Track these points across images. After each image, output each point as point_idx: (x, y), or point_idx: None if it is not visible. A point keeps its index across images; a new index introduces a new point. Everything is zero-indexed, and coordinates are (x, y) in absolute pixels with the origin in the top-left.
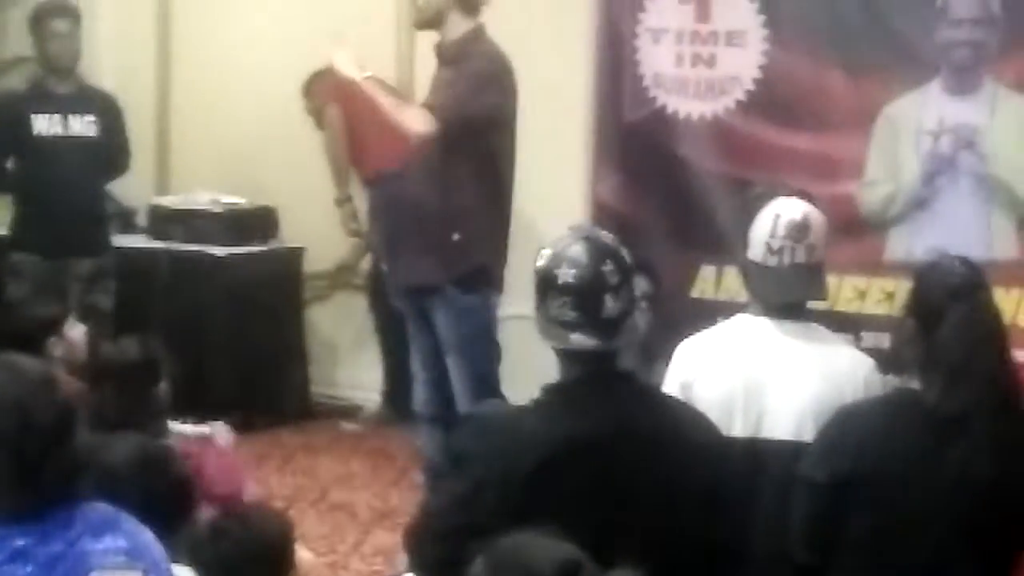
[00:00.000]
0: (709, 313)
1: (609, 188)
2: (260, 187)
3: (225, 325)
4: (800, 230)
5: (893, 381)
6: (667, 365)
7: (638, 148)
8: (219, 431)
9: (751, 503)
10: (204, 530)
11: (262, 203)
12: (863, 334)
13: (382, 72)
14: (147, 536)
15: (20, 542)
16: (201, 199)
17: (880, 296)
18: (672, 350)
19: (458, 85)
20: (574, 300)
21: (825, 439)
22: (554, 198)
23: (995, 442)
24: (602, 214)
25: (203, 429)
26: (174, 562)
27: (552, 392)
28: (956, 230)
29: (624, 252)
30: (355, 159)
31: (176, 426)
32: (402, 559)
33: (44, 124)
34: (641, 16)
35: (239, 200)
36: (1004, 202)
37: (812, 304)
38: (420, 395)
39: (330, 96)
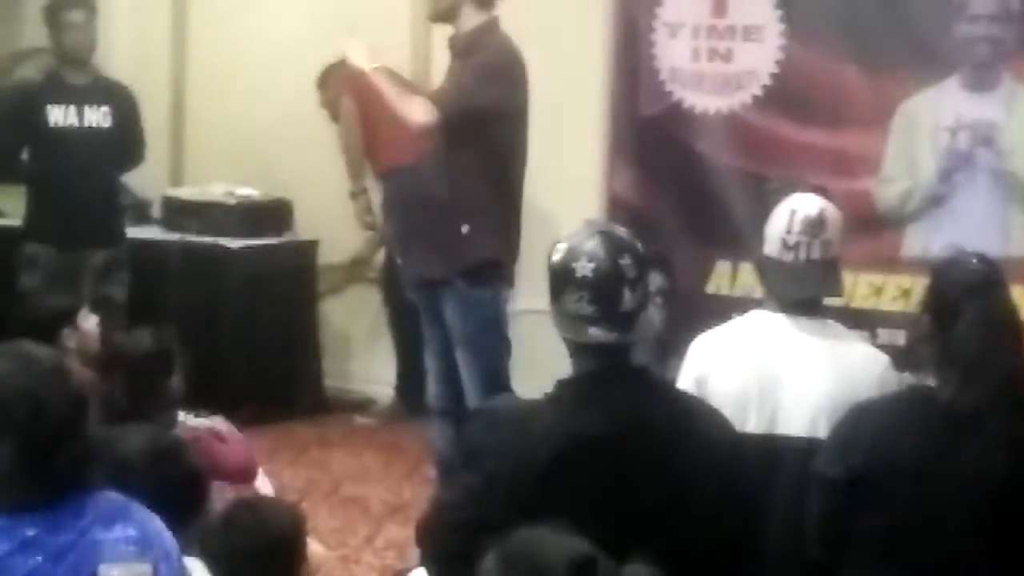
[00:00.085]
0: (724, 309)
1: (625, 183)
2: (274, 179)
3: (239, 317)
4: (816, 226)
5: (908, 378)
6: (682, 360)
7: (654, 143)
8: (219, 425)
9: (765, 499)
10: (215, 522)
11: (276, 195)
12: (879, 330)
13: (398, 65)
14: (157, 525)
15: (30, 532)
16: (215, 191)
17: (896, 293)
18: (687, 345)
19: (463, 76)
20: (592, 294)
21: (839, 436)
22: (570, 192)
23: (1010, 439)
24: (617, 209)
25: (204, 422)
26: (185, 555)
27: (566, 386)
28: (973, 226)
29: (640, 246)
30: (369, 152)
31: (180, 416)
32: (414, 553)
33: (59, 115)
34: (658, 10)
35: (253, 192)
36: (1021, 199)
37: (828, 300)
38: (432, 389)
39: (345, 89)
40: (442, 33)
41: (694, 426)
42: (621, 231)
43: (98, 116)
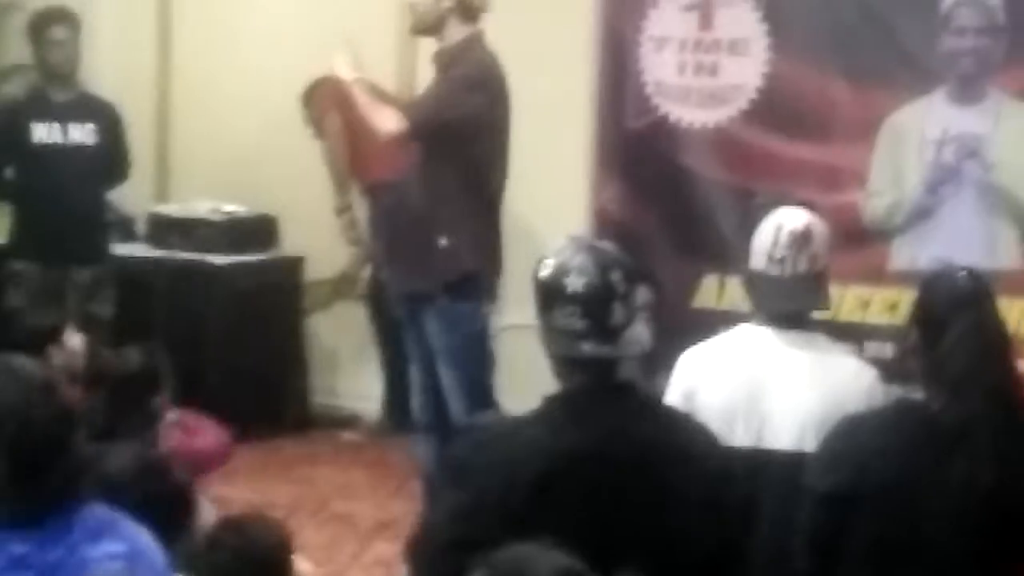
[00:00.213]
0: (711, 323)
1: (611, 197)
2: (260, 196)
3: (224, 334)
4: (802, 240)
5: (896, 391)
6: (669, 375)
7: (640, 157)
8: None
9: (752, 514)
10: (201, 541)
11: (262, 212)
12: (866, 344)
13: (383, 79)
14: (146, 539)
15: (19, 549)
16: (201, 208)
17: (883, 306)
18: (674, 360)
19: (438, 87)
20: (584, 309)
21: (828, 450)
22: (555, 207)
23: (998, 453)
24: (603, 223)
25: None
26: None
27: (553, 402)
28: (960, 240)
29: (628, 260)
30: (355, 168)
31: None
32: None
33: (43, 132)
34: (643, 24)
35: (239, 209)
36: (1008, 212)
37: (815, 314)
38: (416, 404)
39: (330, 105)
40: (427, 47)
41: (682, 441)
42: (607, 246)
43: (82, 133)
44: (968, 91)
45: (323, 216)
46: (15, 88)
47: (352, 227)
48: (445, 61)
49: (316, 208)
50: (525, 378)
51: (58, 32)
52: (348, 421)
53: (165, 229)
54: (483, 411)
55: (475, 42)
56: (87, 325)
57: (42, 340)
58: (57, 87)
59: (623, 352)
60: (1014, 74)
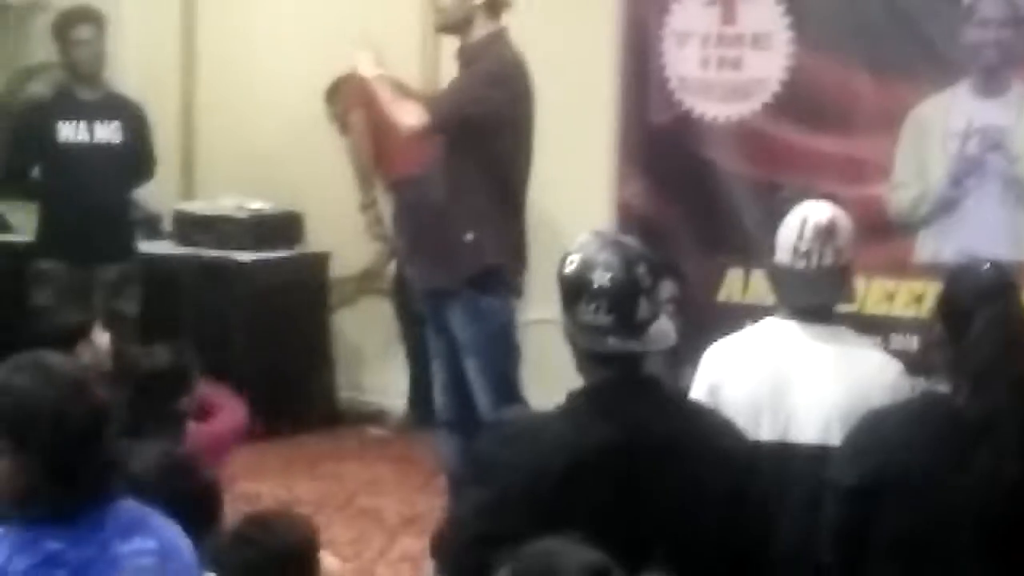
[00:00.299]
0: (736, 317)
1: (635, 192)
2: (285, 192)
3: (250, 331)
4: (827, 233)
5: (921, 384)
6: (694, 369)
7: (664, 152)
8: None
9: (777, 508)
10: (228, 537)
11: (287, 208)
12: (891, 336)
13: (407, 76)
14: (176, 534)
15: (53, 546)
16: (226, 205)
17: (908, 299)
18: (699, 354)
19: (460, 82)
20: (610, 304)
21: (853, 443)
22: (579, 202)
23: (1022, 446)
24: (627, 217)
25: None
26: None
27: (578, 397)
28: (984, 232)
29: (652, 255)
30: (380, 163)
31: None
32: (429, 565)
33: (70, 131)
34: (666, 19)
35: (264, 206)
36: None
37: (840, 307)
38: (438, 400)
39: (354, 101)
40: (451, 44)
41: (707, 437)
42: (631, 241)
43: (108, 132)
44: (992, 83)
45: (348, 212)
46: (41, 87)
47: (377, 223)
48: (468, 57)
49: (341, 204)
50: (550, 373)
51: (83, 31)
52: (374, 417)
53: (191, 226)
54: (509, 406)
55: (499, 38)
56: (113, 323)
57: (70, 338)
58: (83, 86)
59: (649, 347)
60: None
